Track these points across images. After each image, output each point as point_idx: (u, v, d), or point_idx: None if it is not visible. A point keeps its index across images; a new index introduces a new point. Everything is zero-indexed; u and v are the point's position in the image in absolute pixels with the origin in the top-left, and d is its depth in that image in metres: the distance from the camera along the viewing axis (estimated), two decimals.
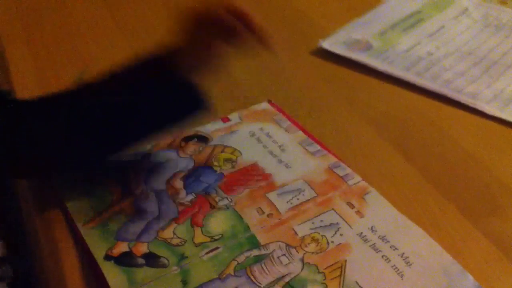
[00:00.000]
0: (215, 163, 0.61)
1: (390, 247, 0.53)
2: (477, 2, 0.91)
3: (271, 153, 0.63)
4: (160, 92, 0.54)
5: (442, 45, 0.81)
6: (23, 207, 0.63)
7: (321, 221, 0.55)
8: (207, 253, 0.52)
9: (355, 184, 0.58)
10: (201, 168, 0.61)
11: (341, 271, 0.50)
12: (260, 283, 0.49)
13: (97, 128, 0.53)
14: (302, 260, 0.51)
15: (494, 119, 0.68)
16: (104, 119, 0.53)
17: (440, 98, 0.71)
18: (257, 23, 0.52)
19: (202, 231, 0.54)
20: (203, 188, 0.58)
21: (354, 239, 0.53)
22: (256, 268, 0.50)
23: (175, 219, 0.55)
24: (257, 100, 0.70)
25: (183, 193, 0.58)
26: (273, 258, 0.51)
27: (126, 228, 0.54)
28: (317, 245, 0.53)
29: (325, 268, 0.51)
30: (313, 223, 0.55)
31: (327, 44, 0.80)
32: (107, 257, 0.51)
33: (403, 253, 0.52)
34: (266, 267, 0.51)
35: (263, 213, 0.55)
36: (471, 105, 0.70)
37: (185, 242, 0.53)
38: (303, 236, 0.53)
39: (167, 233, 0.53)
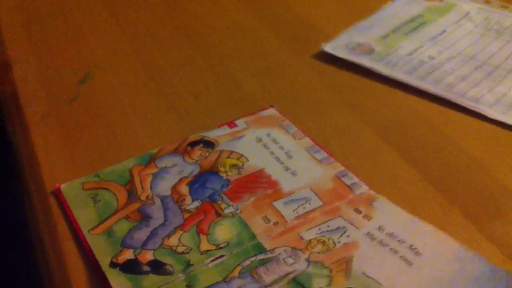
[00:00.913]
0: (221, 169, 0.61)
1: (398, 241, 0.52)
2: (479, 6, 0.91)
3: (277, 159, 0.62)
4: None
5: (444, 49, 0.81)
6: (28, 213, 0.63)
7: (328, 226, 0.55)
8: (212, 260, 0.51)
9: (362, 193, 0.58)
10: (207, 174, 0.60)
11: (347, 265, 0.50)
12: (265, 281, 0.49)
13: None
14: (308, 259, 0.51)
15: (496, 123, 0.68)
16: None
17: (442, 102, 0.71)
18: None
19: (207, 239, 0.53)
20: (209, 195, 0.58)
21: (361, 238, 0.53)
22: (261, 269, 0.50)
23: (181, 226, 0.55)
24: (260, 105, 0.70)
25: (189, 199, 0.57)
26: (278, 260, 0.51)
27: (131, 234, 0.54)
28: (323, 246, 0.52)
29: (331, 263, 0.50)
30: (319, 229, 0.54)
31: (330, 47, 0.80)
32: (113, 264, 0.51)
33: (411, 245, 0.52)
34: (271, 267, 0.51)
35: (269, 221, 0.55)
36: (473, 109, 0.70)
37: (190, 250, 0.52)
38: (310, 240, 0.53)
39: (173, 241, 0.53)
